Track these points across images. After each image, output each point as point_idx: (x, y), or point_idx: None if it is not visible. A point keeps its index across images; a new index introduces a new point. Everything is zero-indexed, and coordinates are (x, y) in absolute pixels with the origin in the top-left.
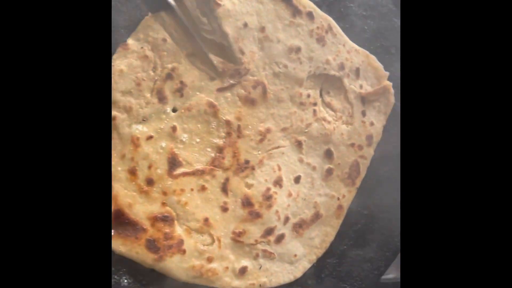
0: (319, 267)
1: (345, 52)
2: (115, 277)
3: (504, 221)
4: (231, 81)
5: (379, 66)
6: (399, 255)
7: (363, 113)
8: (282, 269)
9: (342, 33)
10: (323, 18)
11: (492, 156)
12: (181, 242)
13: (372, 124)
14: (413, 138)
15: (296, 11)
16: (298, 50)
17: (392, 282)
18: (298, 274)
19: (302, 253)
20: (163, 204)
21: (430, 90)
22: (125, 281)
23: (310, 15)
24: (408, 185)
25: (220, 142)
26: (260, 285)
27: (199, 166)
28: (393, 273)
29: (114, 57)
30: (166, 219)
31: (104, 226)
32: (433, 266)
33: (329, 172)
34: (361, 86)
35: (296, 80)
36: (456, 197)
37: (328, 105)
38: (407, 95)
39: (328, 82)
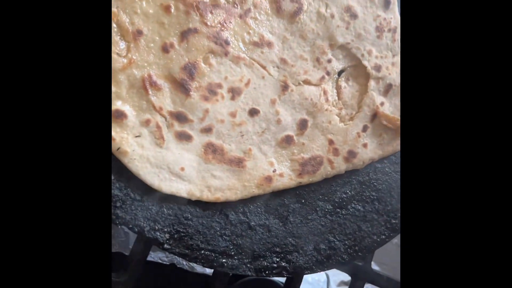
0: (308, 208)
1: (390, 62)
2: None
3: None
4: None
5: None
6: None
7: (364, 128)
8: (155, 165)
9: (399, 45)
10: (396, 17)
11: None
12: None
13: (365, 146)
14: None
15: None
16: (354, 17)
17: None
18: (164, 189)
19: (189, 176)
20: None
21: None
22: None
23: (387, 3)
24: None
25: None
26: (119, 148)
27: None
28: None
29: None
30: None
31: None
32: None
33: (287, 140)
34: (382, 104)
35: (331, 37)
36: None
37: (337, 88)
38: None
39: (355, 71)
